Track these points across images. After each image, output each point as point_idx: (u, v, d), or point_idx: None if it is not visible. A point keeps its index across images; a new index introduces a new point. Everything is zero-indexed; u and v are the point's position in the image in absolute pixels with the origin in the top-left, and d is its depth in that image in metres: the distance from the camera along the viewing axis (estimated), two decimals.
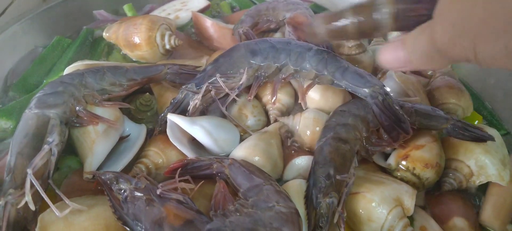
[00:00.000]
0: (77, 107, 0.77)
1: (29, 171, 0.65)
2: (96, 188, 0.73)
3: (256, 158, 0.79)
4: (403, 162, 0.79)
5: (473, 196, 0.85)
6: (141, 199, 0.66)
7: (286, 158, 0.85)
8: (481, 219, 0.81)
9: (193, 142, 0.84)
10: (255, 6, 1.17)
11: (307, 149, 0.87)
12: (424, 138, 0.82)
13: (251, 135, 0.85)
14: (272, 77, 0.89)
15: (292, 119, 0.88)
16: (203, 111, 0.88)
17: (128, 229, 0.66)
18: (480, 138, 0.82)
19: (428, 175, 0.78)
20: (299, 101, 0.90)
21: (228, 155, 0.83)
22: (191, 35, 1.14)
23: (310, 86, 0.88)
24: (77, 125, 0.77)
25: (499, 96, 1.04)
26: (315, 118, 0.87)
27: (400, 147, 0.81)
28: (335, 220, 0.69)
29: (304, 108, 0.89)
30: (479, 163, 0.82)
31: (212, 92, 0.84)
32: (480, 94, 1.07)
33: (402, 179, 0.79)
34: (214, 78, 0.85)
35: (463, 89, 0.96)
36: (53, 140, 0.70)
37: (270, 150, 0.81)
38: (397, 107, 0.78)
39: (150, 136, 0.84)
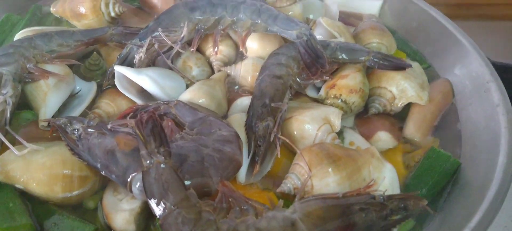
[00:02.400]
0: (28, 65, 0.83)
1: None
2: (52, 135, 0.79)
3: (201, 100, 0.87)
4: (331, 91, 0.89)
5: (398, 118, 0.95)
6: (94, 134, 0.73)
7: (231, 101, 0.93)
8: (404, 134, 0.91)
9: (142, 93, 0.91)
10: None
11: (248, 92, 0.95)
12: (349, 70, 0.92)
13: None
14: (212, 29, 0.97)
15: (234, 68, 0.97)
16: (149, 65, 0.95)
17: (85, 162, 0.72)
18: (399, 66, 0.92)
19: (354, 99, 0.88)
20: (240, 50, 0.98)
21: None
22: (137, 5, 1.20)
23: (247, 35, 0.97)
24: (29, 80, 0.83)
25: (420, 38, 1.15)
26: (254, 63, 0.95)
27: (329, 78, 0.91)
28: (271, 139, 0.77)
29: (245, 54, 0.98)
30: (400, 87, 0.92)
31: (156, 46, 0.92)
32: (405, 37, 1.18)
33: (331, 106, 0.88)
34: (156, 33, 0.92)
35: (385, 29, 1.07)
36: (7, 92, 0.76)
37: (213, 92, 0.89)
38: (318, 46, 0.88)
39: (100, 91, 0.91)
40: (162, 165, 0.62)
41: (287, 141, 0.77)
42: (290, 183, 0.72)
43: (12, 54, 0.83)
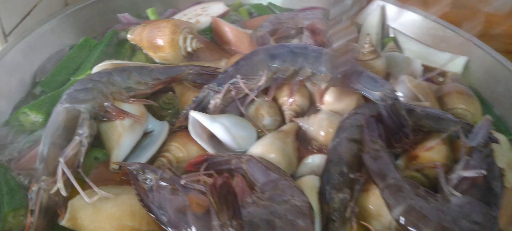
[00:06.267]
0: (105, 103, 0.82)
1: (61, 159, 0.70)
2: (121, 178, 0.78)
3: (272, 155, 0.83)
4: (413, 163, 0.83)
5: None
6: (166, 188, 0.70)
7: (300, 156, 0.89)
8: None
9: (212, 139, 0.88)
10: (275, 14, 1.23)
11: (319, 149, 0.90)
12: (434, 141, 0.85)
13: (266, 134, 0.90)
14: (290, 79, 0.93)
15: (307, 120, 0.92)
16: (222, 110, 0.92)
17: (153, 216, 0.70)
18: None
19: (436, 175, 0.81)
20: (316, 104, 0.94)
21: (245, 152, 0.87)
22: (210, 40, 1.19)
23: (327, 88, 0.93)
24: (105, 119, 0.82)
25: (507, 103, 1.07)
26: (328, 119, 0.91)
27: (411, 148, 0.85)
28: (347, 215, 0.73)
29: (320, 110, 0.93)
30: None
31: (233, 92, 0.89)
32: (488, 101, 1.10)
33: (412, 178, 0.82)
34: (235, 80, 0.90)
35: (472, 95, 0.99)
36: (84, 132, 0.75)
37: (285, 147, 0.85)
38: (402, 112, 0.83)
39: (172, 132, 0.89)
40: None
41: (366, 225, 0.72)
42: None
43: (91, 90, 0.82)
